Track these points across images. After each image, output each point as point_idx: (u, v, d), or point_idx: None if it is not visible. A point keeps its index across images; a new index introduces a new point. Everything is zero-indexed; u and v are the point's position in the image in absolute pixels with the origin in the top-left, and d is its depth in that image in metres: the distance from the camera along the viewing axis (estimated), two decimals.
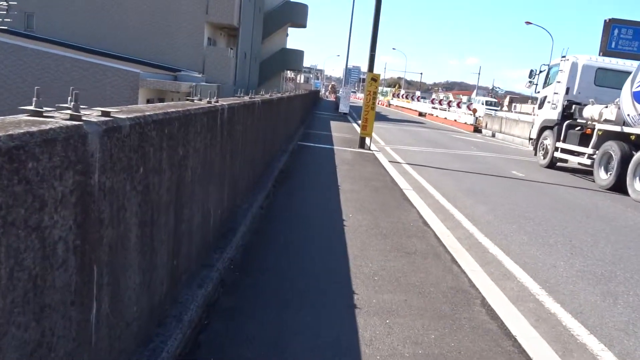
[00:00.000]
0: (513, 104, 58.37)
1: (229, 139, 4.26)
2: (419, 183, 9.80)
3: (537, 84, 16.18)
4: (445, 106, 39.12)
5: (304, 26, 38.28)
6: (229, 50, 26.86)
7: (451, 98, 64.05)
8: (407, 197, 7.61)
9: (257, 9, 32.54)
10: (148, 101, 19.06)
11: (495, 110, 41.69)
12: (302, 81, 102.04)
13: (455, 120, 33.39)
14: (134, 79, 17.62)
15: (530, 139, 16.06)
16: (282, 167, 8.50)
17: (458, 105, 37.52)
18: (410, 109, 46.17)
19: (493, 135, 27.90)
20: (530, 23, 47.52)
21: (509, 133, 26.75)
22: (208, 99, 3.80)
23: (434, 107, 40.60)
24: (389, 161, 12.33)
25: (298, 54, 38.92)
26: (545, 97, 15.14)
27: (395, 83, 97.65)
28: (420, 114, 42.19)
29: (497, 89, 79.06)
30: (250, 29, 30.66)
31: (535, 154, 15.39)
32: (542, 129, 15.02)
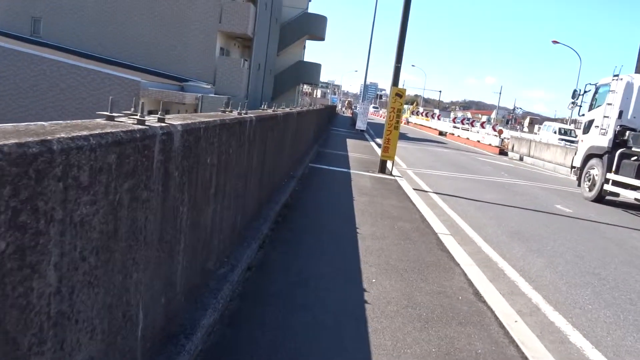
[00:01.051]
0: (537, 126, 56.41)
1: (187, 182, 2.62)
2: (453, 221, 8.06)
3: (581, 106, 14.38)
4: (467, 126, 37.27)
5: (322, 39, 36.89)
6: (242, 61, 25.50)
7: (469, 116, 62.10)
8: (445, 247, 5.87)
9: (274, 19, 31.27)
10: (149, 113, 17.63)
11: (572, 142, 27.82)
12: (319, 96, 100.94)
13: (478, 141, 31.53)
14: (134, 87, 16.21)
15: (572, 167, 14.19)
16: (287, 200, 6.84)
17: (482, 126, 35.65)
18: (429, 127, 44.43)
19: (521, 159, 26.00)
20: (557, 42, 45.75)
21: (539, 157, 24.83)
22: (139, 115, 2.17)
23: (455, 127, 38.77)
24: (414, 189, 10.61)
25: (315, 67, 37.48)
26: (592, 120, 13.32)
27: (412, 100, 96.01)
28: (441, 133, 40.37)
29: (519, 109, 76.81)
30: (265, 40, 29.34)
31: (579, 185, 13.53)
32: (588, 157, 13.18)
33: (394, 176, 11.58)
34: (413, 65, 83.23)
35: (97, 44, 24.08)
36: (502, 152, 28.26)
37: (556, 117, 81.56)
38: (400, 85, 11.73)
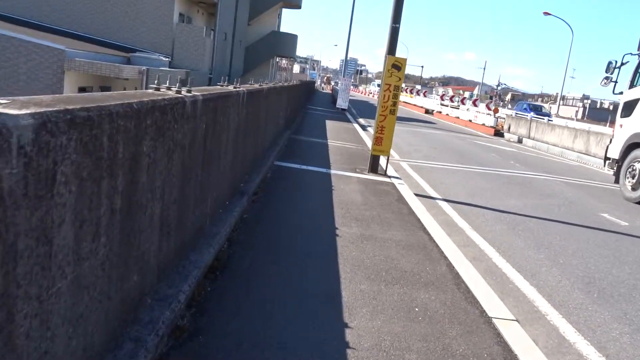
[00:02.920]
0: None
1: None
2: (490, 261, 5.19)
3: (616, 82, 11.54)
4: (457, 103, 34.43)
5: (299, 7, 33.25)
6: (204, 30, 21.97)
7: (450, 93, 59.17)
8: None
9: None
10: (83, 90, 14.24)
11: None
12: (297, 71, 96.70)
13: (470, 121, 28.72)
14: (58, 58, 12.80)
15: (607, 158, 11.43)
16: (218, 252, 3.81)
17: (474, 104, 32.82)
18: (415, 105, 41.44)
19: (520, 141, 23.31)
20: (549, 14, 42.98)
21: (541, 140, 22.14)
22: None
23: (443, 104, 35.90)
24: (416, 195, 7.73)
25: (291, 39, 33.89)
26: (637, 100, 10.51)
27: None
28: (427, 111, 37.46)
29: (504, 85, 74.20)
30: (233, 6, 25.75)
31: (617, 181, 10.79)
32: (631, 147, 10.41)
33: (389, 177, 8.61)
34: None
35: (34, 8, 20.24)
36: (498, 132, 25.53)
37: (542, 94, 79.02)
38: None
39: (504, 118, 27.30)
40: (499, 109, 29.33)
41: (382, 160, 9.16)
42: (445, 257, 4.72)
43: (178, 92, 3.10)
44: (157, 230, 2.73)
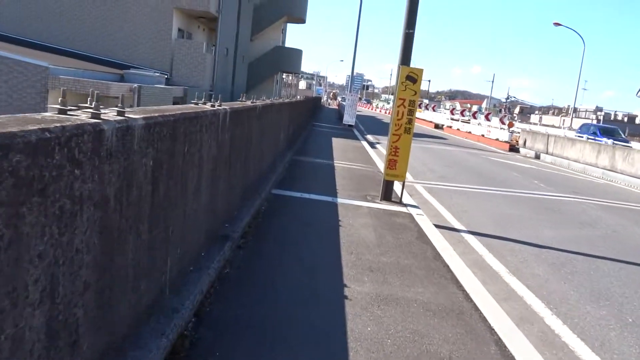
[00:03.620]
0: (539, 116, 52.81)
1: None
2: (544, 325, 4.01)
3: None
4: (468, 117, 33.29)
5: (303, 21, 32.40)
6: (204, 45, 21.09)
7: (459, 107, 58.09)
8: None
9: None
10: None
11: None
12: (303, 87, 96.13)
13: (482, 136, 27.54)
14: (42, 76, 11.84)
15: None
16: (182, 334, 2.66)
17: (487, 118, 31.65)
18: (424, 119, 40.34)
19: (537, 157, 22.06)
20: (559, 24, 42.04)
21: (560, 155, 20.89)
22: None
23: (453, 119, 34.75)
24: (436, 226, 6.58)
25: (295, 54, 33.00)
26: None
27: None
28: (437, 126, 36.34)
29: (513, 98, 72.75)
30: (234, 20, 24.93)
31: None
32: None
33: (406, 205, 7.44)
34: None
35: (25, 25, 19.48)
36: (513, 148, 24.30)
37: (553, 106, 77.54)
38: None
39: (519, 132, 26.11)
40: (513, 122, 28.12)
41: (396, 185, 8.02)
42: (491, 329, 3.54)
43: (95, 115, 1.98)
44: (38, 352, 1.59)
